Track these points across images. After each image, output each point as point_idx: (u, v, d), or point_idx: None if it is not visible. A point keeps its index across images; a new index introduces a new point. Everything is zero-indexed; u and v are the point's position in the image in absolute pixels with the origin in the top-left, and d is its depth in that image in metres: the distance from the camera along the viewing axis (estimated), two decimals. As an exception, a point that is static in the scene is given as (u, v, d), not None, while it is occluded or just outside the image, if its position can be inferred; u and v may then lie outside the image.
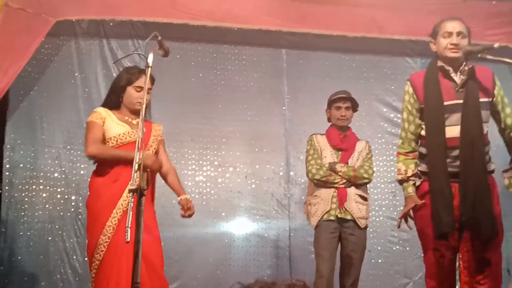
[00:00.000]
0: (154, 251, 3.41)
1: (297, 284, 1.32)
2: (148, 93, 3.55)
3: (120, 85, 3.66)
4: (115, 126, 3.55)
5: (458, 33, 3.23)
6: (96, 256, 3.34)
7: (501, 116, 3.31)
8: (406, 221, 3.27)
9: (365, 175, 4.31)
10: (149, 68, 2.85)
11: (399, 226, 3.34)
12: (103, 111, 3.61)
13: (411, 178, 3.33)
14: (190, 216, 3.71)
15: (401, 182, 3.38)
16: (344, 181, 4.26)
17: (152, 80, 3.64)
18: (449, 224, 3.09)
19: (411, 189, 3.30)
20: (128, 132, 3.56)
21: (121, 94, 3.65)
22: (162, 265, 3.49)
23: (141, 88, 3.59)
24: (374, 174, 4.43)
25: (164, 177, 3.80)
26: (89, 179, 3.59)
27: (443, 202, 3.11)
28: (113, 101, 3.68)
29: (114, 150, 3.51)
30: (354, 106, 4.50)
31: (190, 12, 5.37)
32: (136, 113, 3.64)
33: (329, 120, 4.54)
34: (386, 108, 5.94)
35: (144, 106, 2.83)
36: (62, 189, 5.27)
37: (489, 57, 3.19)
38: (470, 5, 5.56)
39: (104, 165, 3.53)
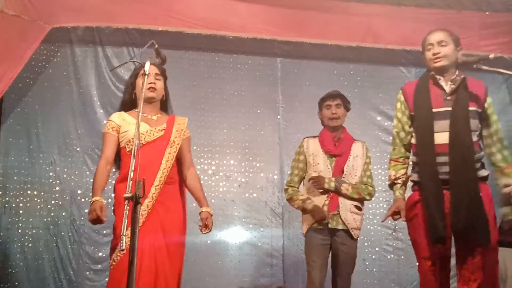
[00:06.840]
0: (167, 260, 3.53)
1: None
2: (158, 79, 3.59)
3: (130, 82, 3.69)
4: (132, 128, 3.48)
5: (439, 43, 3.31)
6: (114, 258, 3.34)
7: (485, 134, 3.37)
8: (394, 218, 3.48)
9: (368, 198, 4.23)
10: (146, 76, 2.86)
11: (382, 221, 3.79)
12: (116, 118, 3.58)
13: (398, 181, 3.44)
14: (206, 232, 3.78)
15: (390, 186, 3.53)
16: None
17: (162, 60, 3.23)
18: (444, 228, 3.11)
19: (398, 193, 3.46)
20: (147, 131, 3.50)
21: (133, 91, 3.64)
22: (175, 275, 3.62)
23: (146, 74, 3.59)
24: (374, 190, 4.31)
25: (186, 183, 3.75)
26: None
27: (436, 206, 3.13)
28: (128, 101, 3.68)
29: (96, 181, 3.43)
30: (345, 104, 4.35)
31: (185, 20, 5.39)
32: (153, 105, 3.62)
33: (322, 123, 4.41)
34: (381, 117, 5.97)
35: (142, 100, 2.81)
36: (57, 195, 5.25)
37: (484, 67, 3.22)
38: (465, 16, 5.62)
39: (125, 169, 3.43)
